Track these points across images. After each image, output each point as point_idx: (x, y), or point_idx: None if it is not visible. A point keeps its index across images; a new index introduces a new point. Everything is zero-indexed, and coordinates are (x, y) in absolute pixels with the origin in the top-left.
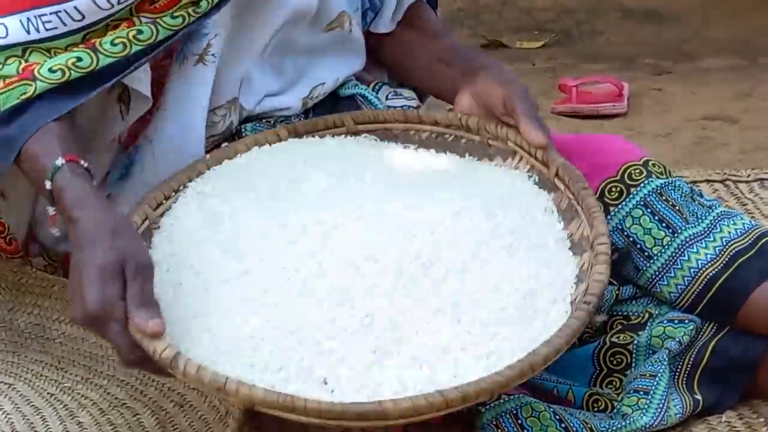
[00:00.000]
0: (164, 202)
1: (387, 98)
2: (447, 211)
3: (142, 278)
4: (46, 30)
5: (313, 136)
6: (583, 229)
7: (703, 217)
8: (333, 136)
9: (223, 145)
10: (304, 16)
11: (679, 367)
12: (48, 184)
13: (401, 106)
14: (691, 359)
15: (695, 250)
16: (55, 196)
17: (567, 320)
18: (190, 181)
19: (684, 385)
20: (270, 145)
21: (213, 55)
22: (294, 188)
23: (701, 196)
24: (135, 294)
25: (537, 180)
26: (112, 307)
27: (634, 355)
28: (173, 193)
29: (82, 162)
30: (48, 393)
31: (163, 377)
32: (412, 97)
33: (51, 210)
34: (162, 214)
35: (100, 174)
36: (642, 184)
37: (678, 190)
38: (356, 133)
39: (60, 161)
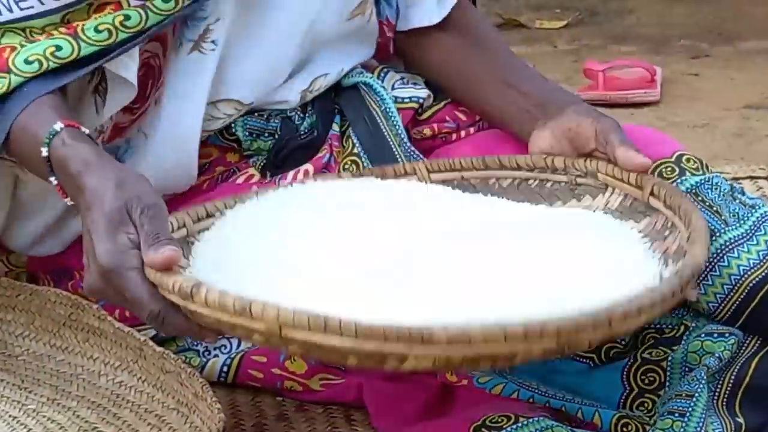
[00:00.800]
0: (205, 218)
1: (393, 87)
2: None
3: (149, 218)
4: (21, 10)
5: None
6: (680, 240)
7: (746, 218)
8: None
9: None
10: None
11: (719, 386)
12: (44, 151)
13: (409, 97)
14: (733, 377)
15: (736, 255)
16: (57, 165)
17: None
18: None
19: (724, 407)
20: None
21: (213, 42)
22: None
23: (743, 194)
24: (146, 236)
25: (629, 205)
26: (125, 255)
27: (668, 373)
28: (216, 212)
29: (82, 129)
30: (10, 416)
31: (192, 334)
32: (422, 86)
33: (54, 180)
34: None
35: None
36: (675, 183)
37: (716, 188)
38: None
39: (59, 125)
